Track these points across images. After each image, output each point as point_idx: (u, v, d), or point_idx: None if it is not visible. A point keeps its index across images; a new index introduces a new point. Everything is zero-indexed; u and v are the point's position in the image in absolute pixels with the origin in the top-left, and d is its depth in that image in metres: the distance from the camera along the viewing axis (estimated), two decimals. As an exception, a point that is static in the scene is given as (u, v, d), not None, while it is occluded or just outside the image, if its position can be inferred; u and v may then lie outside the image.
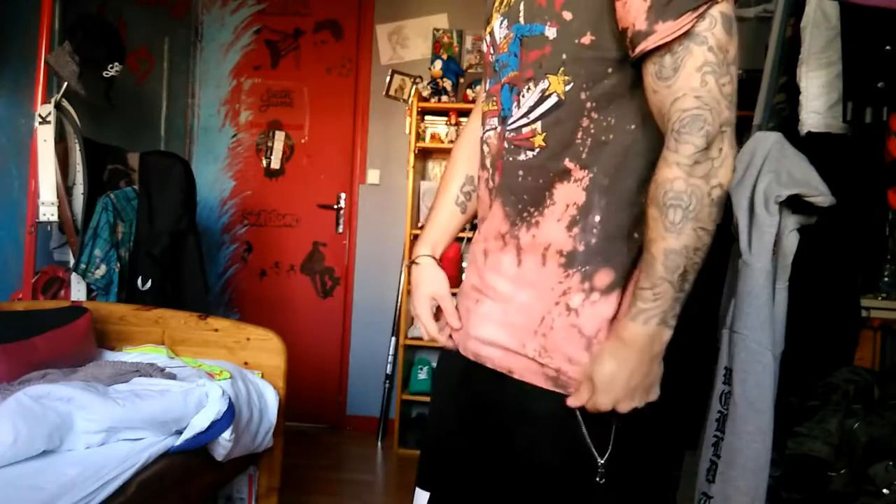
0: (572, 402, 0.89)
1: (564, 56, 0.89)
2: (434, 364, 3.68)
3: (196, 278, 2.80)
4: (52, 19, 2.52)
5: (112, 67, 2.55)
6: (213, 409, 1.80)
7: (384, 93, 3.67)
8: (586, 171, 0.91)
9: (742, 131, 3.42)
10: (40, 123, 2.44)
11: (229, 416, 1.83)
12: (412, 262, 1.16)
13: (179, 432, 1.77)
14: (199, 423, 1.78)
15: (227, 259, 3.85)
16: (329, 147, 3.76)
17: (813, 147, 1.83)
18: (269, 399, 2.19)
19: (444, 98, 3.40)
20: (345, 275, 3.76)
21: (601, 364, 0.86)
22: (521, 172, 0.95)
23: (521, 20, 0.93)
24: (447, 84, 3.42)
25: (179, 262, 2.77)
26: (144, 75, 3.36)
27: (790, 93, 2.02)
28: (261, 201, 3.82)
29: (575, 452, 0.91)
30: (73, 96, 2.51)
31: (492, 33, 1.01)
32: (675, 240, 0.81)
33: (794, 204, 1.75)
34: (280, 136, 3.80)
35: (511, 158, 0.96)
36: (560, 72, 0.90)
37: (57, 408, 1.58)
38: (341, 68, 3.74)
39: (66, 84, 2.47)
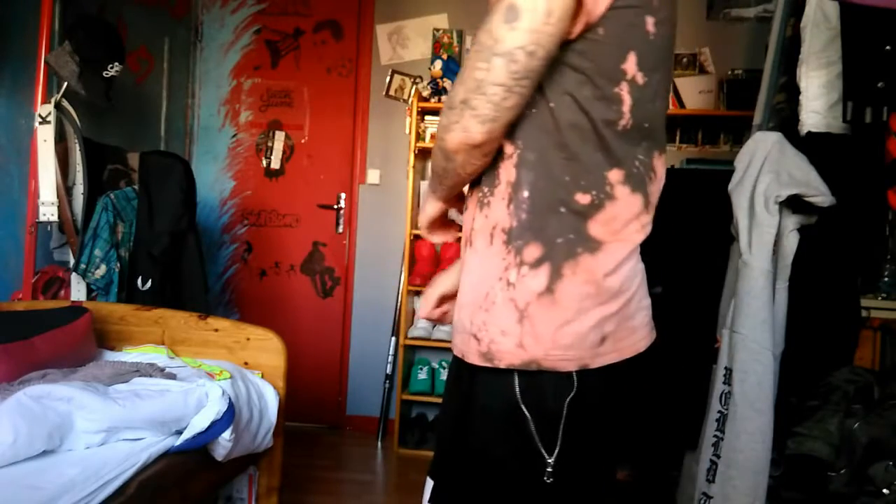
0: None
1: None
2: (434, 364, 3.68)
3: (196, 278, 2.80)
4: (52, 19, 2.51)
5: (112, 67, 2.55)
6: (213, 409, 1.80)
7: (384, 93, 3.67)
8: (514, 148, 0.94)
9: (742, 131, 3.44)
10: (40, 123, 2.44)
11: (229, 416, 1.83)
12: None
13: (179, 432, 1.77)
14: (199, 423, 1.78)
15: (227, 259, 3.85)
16: (329, 147, 3.76)
17: (813, 147, 1.83)
18: (269, 399, 2.19)
19: (444, 98, 3.40)
20: (345, 275, 3.76)
21: None
22: None
23: None
24: (447, 84, 3.42)
25: (179, 262, 2.77)
26: (144, 75, 3.36)
27: (790, 93, 2.02)
28: (261, 201, 3.82)
29: (524, 450, 0.93)
30: (73, 96, 2.51)
31: None
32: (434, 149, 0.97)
33: (794, 204, 1.75)
34: (280, 136, 3.80)
35: None
36: None
37: (57, 408, 1.58)
38: (341, 68, 3.74)
39: (66, 84, 2.47)
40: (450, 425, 1.08)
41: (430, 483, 1.12)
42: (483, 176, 0.98)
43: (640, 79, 0.92)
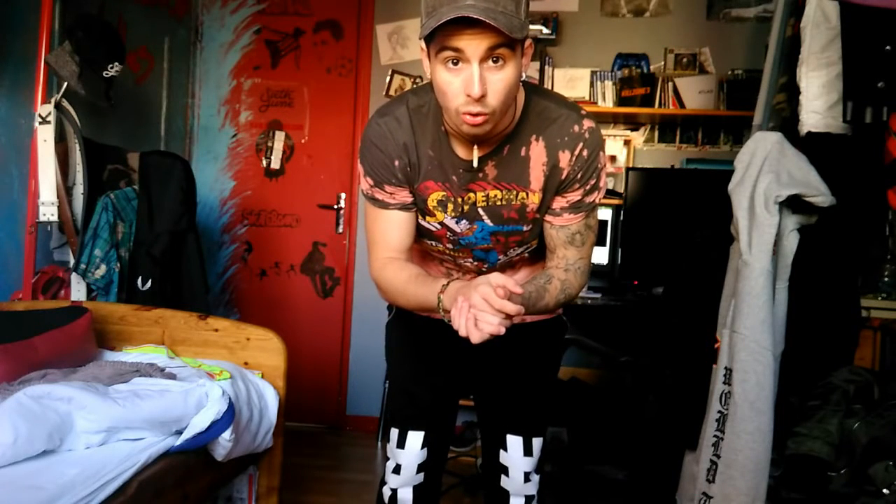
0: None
1: (537, 230, 1.46)
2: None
3: (196, 278, 2.80)
4: (52, 19, 2.51)
5: (112, 67, 2.55)
6: (213, 409, 1.80)
7: (384, 93, 3.67)
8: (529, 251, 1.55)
9: (742, 131, 3.43)
10: (40, 123, 2.44)
11: (229, 416, 1.83)
12: (442, 293, 1.26)
13: (179, 432, 1.78)
14: (199, 423, 1.78)
15: (227, 259, 3.85)
16: (329, 147, 3.76)
17: (813, 147, 1.83)
18: (269, 399, 2.19)
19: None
20: (345, 275, 3.76)
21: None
22: (515, 259, 1.56)
23: (489, 223, 1.41)
24: (447, 84, 3.42)
25: (179, 262, 2.77)
26: (144, 75, 3.36)
27: (790, 93, 2.02)
28: (261, 201, 3.82)
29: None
30: (73, 96, 2.51)
31: (443, 223, 1.44)
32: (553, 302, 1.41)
33: (794, 204, 1.75)
34: (280, 136, 3.80)
35: (510, 260, 1.54)
36: (535, 235, 1.48)
37: (57, 408, 1.58)
38: (341, 68, 3.74)
39: (66, 84, 2.47)
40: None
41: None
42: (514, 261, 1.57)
43: None
